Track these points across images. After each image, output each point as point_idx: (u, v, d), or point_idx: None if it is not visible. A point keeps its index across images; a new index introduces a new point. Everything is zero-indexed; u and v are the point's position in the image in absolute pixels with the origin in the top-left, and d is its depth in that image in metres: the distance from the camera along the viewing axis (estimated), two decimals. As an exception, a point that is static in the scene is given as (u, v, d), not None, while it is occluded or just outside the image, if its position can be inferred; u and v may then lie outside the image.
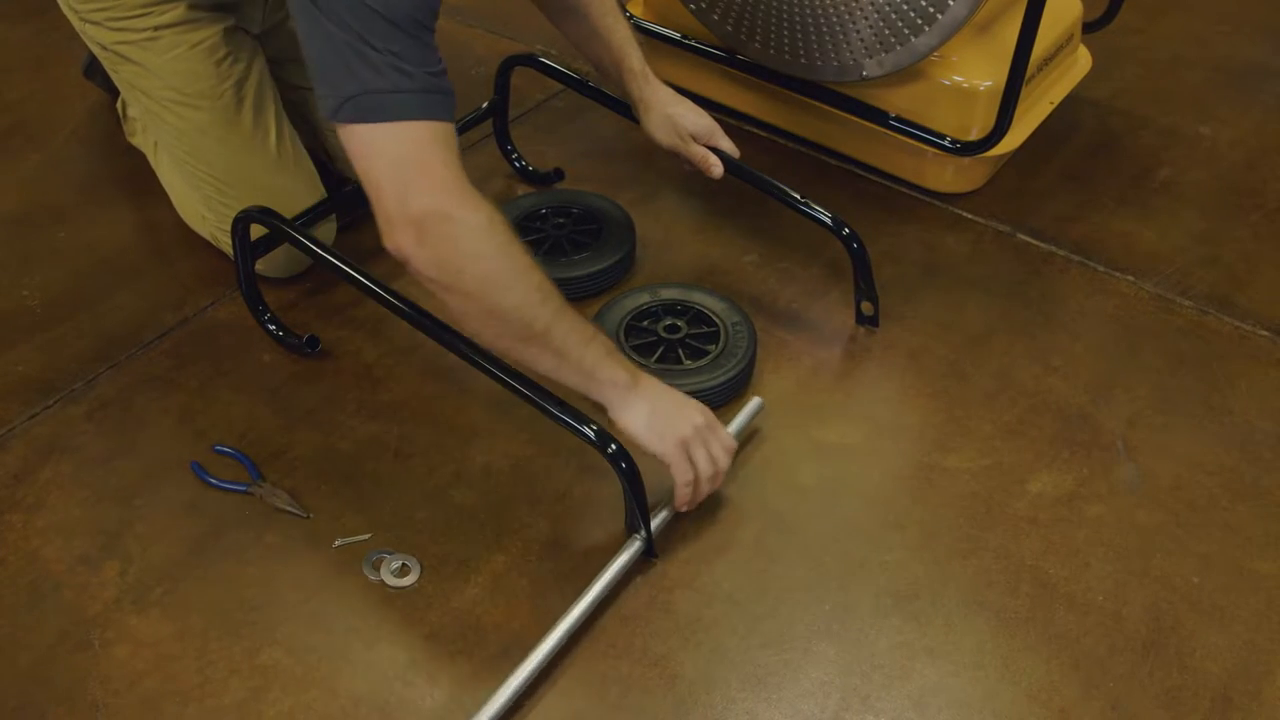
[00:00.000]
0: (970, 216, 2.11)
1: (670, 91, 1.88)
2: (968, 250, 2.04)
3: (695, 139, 1.86)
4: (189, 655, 1.43)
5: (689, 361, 1.74)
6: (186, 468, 1.65)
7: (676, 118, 1.86)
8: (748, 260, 2.00)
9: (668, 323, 1.80)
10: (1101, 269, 1.99)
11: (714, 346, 1.76)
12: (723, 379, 1.71)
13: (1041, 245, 2.05)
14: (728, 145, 1.88)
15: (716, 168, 1.85)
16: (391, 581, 1.51)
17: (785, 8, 2.01)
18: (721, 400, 1.72)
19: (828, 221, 1.83)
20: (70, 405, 1.74)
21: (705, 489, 1.53)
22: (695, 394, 1.64)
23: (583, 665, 1.43)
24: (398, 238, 1.35)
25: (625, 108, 1.93)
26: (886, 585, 1.51)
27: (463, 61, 2.52)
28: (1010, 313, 1.91)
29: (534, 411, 1.51)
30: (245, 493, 1.62)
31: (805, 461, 1.67)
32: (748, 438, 1.68)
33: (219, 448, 1.67)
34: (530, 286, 1.39)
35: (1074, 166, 2.25)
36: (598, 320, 1.80)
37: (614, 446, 1.46)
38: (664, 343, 1.77)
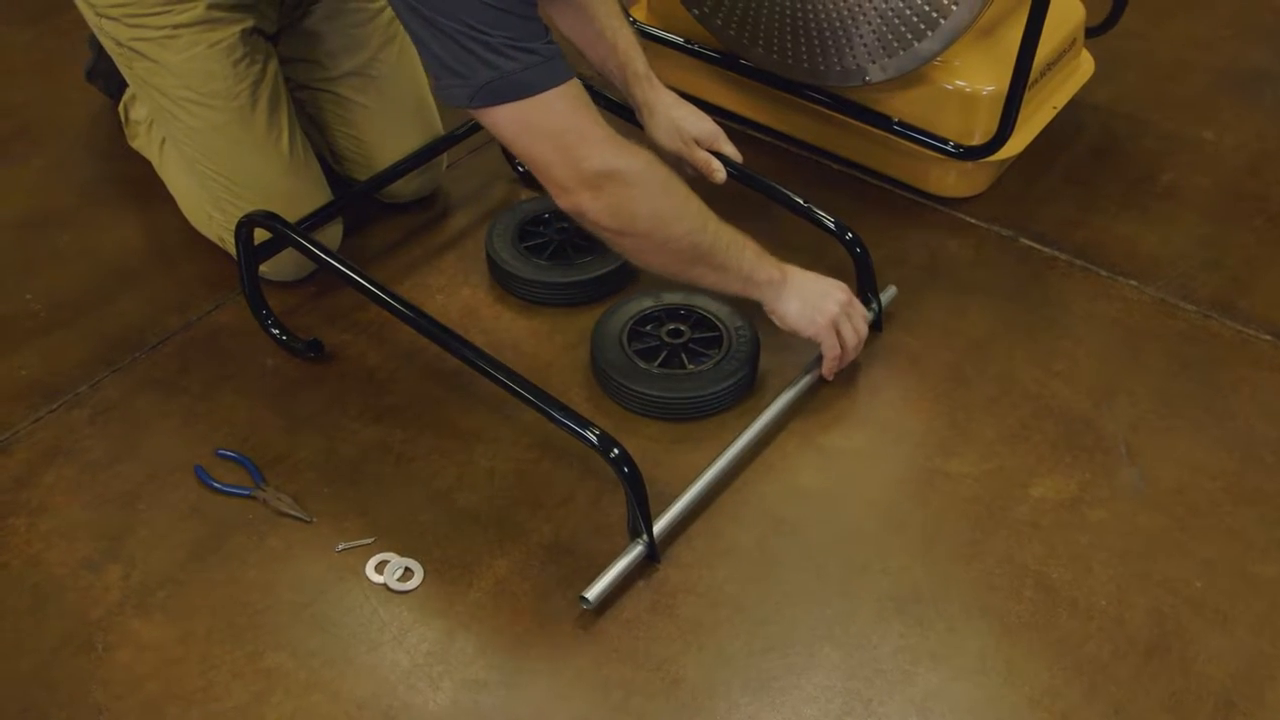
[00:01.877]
0: (973, 221, 2.11)
1: (674, 96, 1.88)
2: (970, 254, 2.04)
3: (698, 143, 1.87)
4: (192, 659, 1.43)
5: (692, 366, 1.74)
6: (190, 471, 1.65)
7: (680, 121, 1.86)
8: (750, 264, 2.00)
9: (671, 327, 1.80)
10: (1104, 273, 1.99)
11: (716, 351, 1.76)
12: (726, 383, 1.71)
13: (1044, 250, 2.05)
14: (731, 150, 1.88)
15: (719, 173, 1.85)
16: (394, 585, 1.51)
17: (788, 12, 2.02)
18: (726, 404, 1.72)
19: (831, 226, 1.84)
20: (74, 409, 1.74)
21: (850, 356, 1.73)
22: (699, 399, 1.65)
23: (585, 669, 1.43)
24: (575, 199, 1.48)
25: (629, 112, 1.93)
26: (889, 590, 1.51)
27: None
28: (1013, 317, 1.91)
29: (537, 416, 1.51)
30: (248, 497, 1.62)
31: (808, 465, 1.67)
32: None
33: (222, 451, 1.67)
34: (692, 214, 1.56)
35: (1077, 171, 2.25)
36: (599, 326, 1.80)
37: (616, 450, 1.46)
38: (667, 347, 1.77)
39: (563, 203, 1.50)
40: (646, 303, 1.83)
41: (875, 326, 1.87)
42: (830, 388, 1.78)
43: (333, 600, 1.50)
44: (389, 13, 2.00)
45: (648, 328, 1.80)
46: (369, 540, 1.56)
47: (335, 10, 1.96)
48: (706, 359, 1.75)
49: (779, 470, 1.66)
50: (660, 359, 1.75)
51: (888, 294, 1.88)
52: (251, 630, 1.47)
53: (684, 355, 1.76)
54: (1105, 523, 1.59)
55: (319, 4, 1.95)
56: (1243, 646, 1.45)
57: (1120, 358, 1.84)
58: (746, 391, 1.76)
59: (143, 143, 2.13)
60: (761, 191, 1.89)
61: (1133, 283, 1.98)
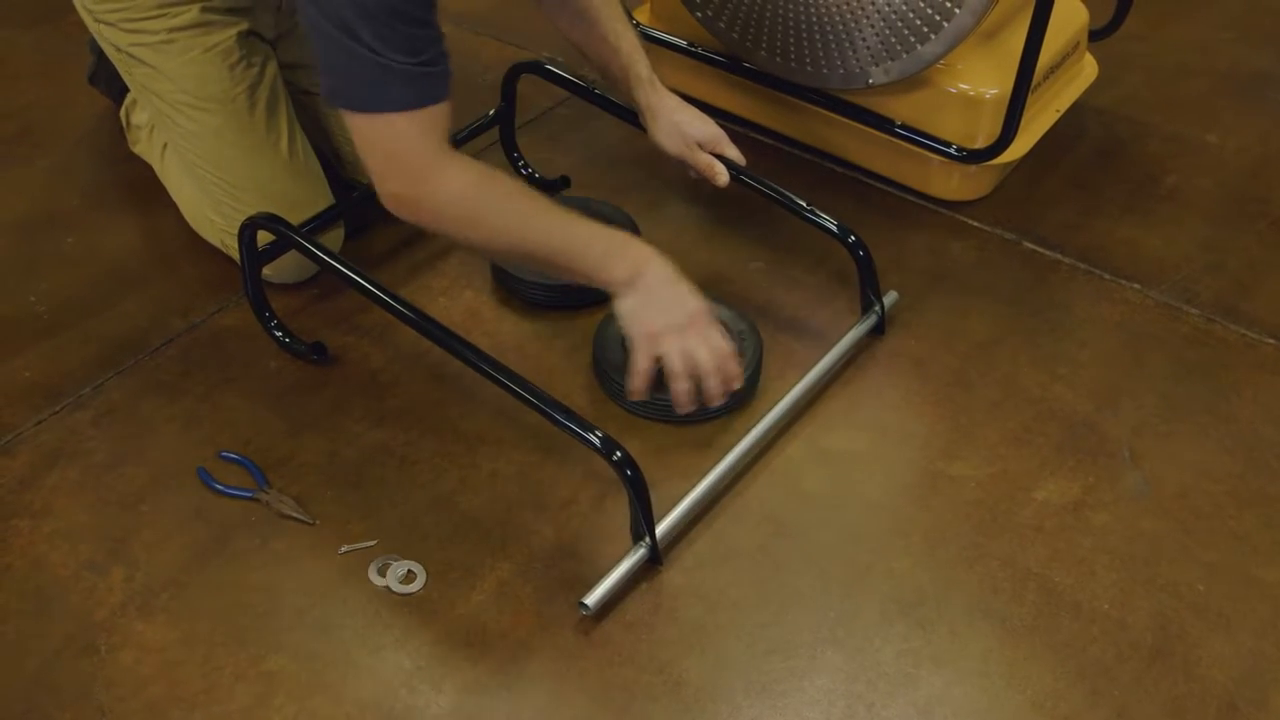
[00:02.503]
0: (976, 224, 2.11)
1: (676, 99, 1.88)
2: (973, 258, 2.04)
3: (702, 146, 1.86)
4: (194, 661, 1.43)
5: None
6: (193, 474, 1.65)
7: (683, 125, 1.86)
8: (753, 267, 2.01)
9: None
10: (1107, 277, 1.99)
11: None
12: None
13: (1047, 253, 2.05)
14: (734, 153, 1.88)
15: (722, 176, 1.85)
16: (397, 588, 1.51)
17: (792, 15, 2.02)
18: (728, 408, 1.72)
19: (833, 229, 1.84)
20: (77, 411, 1.74)
21: (710, 385, 1.60)
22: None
23: (587, 671, 1.43)
24: (399, 211, 1.52)
25: (632, 115, 1.93)
26: (892, 593, 1.51)
27: (470, 68, 2.53)
28: (1016, 320, 1.91)
29: (540, 419, 1.51)
30: (251, 499, 1.62)
31: (810, 468, 1.67)
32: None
33: (225, 454, 1.68)
34: (510, 222, 1.54)
35: (1080, 174, 2.25)
36: (601, 329, 1.80)
37: (619, 454, 1.46)
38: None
39: (388, 206, 1.53)
40: None
41: (877, 330, 1.87)
42: (833, 390, 1.78)
43: (335, 603, 1.50)
44: None
45: None
46: (372, 543, 1.56)
47: None
48: None
49: (782, 473, 1.66)
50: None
51: (889, 298, 1.88)
52: (254, 633, 1.47)
53: None
54: (1108, 526, 1.59)
55: None
56: (1246, 650, 1.45)
57: (1123, 361, 1.83)
58: (750, 395, 1.76)
59: (144, 148, 2.13)
60: (764, 194, 1.88)
61: (1136, 286, 1.97)
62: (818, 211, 1.85)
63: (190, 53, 1.79)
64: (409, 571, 1.53)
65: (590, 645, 1.45)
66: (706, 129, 1.87)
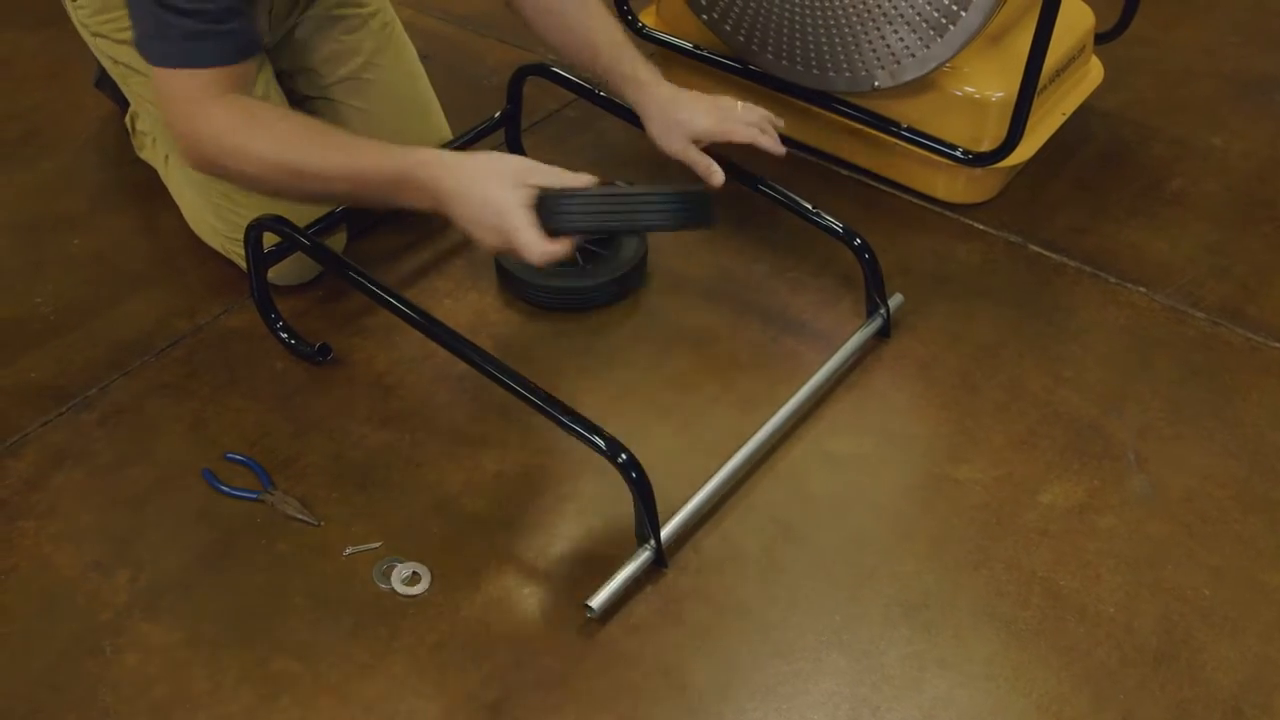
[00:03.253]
0: (981, 227, 2.11)
1: (672, 90, 1.78)
2: (979, 261, 2.04)
3: (710, 136, 1.76)
4: (199, 662, 1.44)
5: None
6: (198, 475, 1.65)
7: (682, 122, 1.76)
8: (759, 269, 2.01)
9: None
10: (1113, 280, 1.99)
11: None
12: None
13: (1053, 256, 2.05)
14: (745, 134, 1.77)
15: (717, 176, 1.76)
16: (402, 590, 1.51)
17: (798, 18, 2.02)
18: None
19: (839, 231, 1.84)
20: (83, 412, 1.75)
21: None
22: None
23: (592, 673, 1.42)
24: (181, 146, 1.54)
25: (636, 116, 1.92)
26: (897, 596, 1.51)
27: (475, 70, 2.53)
28: (1021, 324, 1.91)
29: (545, 420, 1.51)
30: (256, 500, 1.62)
31: (815, 471, 1.67)
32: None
33: (230, 455, 1.68)
34: (284, 151, 1.50)
35: (1086, 177, 2.25)
36: None
37: (624, 456, 1.47)
38: None
39: (183, 158, 1.57)
40: None
41: (883, 333, 1.87)
42: (838, 394, 1.78)
43: (340, 604, 1.50)
44: (381, 17, 2.01)
45: None
46: (376, 544, 1.56)
47: (325, 19, 1.96)
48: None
49: (787, 476, 1.66)
50: None
51: (895, 301, 1.88)
52: (259, 634, 1.47)
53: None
54: (1114, 530, 1.59)
55: (309, 14, 1.95)
56: (1252, 654, 1.45)
57: (1129, 365, 1.83)
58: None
59: (149, 153, 2.13)
60: (769, 196, 1.89)
61: (1141, 289, 1.97)
62: (823, 214, 1.85)
63: None
64: (413, 573, 1.53)
65: (595, 648, 1.45)
66: (708, 119, 1.76)
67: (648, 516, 1.48)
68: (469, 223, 1.46)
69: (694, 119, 1.76)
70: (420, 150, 1.49)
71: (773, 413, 1.70)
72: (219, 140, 1.50)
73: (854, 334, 1.83)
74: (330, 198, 1.61)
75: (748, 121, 1.78)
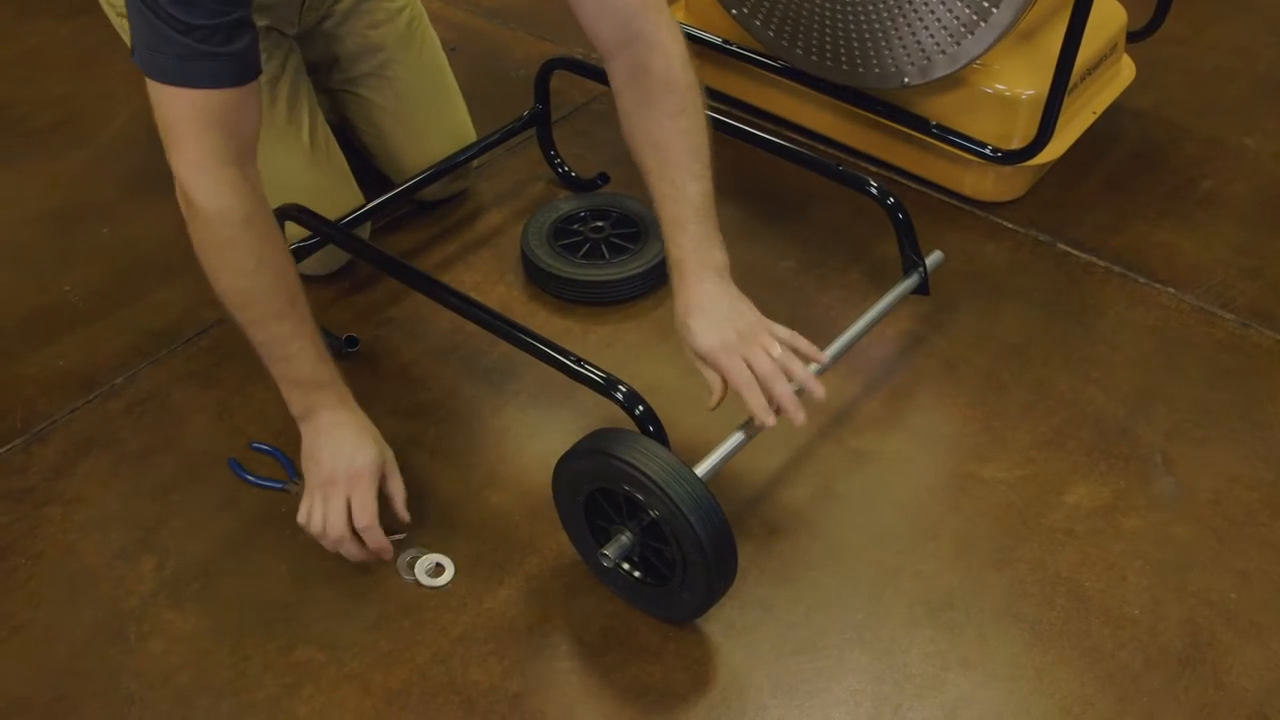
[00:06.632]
0: (1010, 225, 2.10)
1: (701, 292, 1.46)
2: (1007, 259, 2.03)
3: (709, 362, 1.46)
4: (223, 651, 1.44)
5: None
6: (223, 464, 1.66)
7: (691, 333, 1.46)
8: (785, 265, 2.00)
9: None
10: (1142, 280, 1.98)
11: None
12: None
13: (1082, 255, 2.03)
14: (746, 399, 1.42)
15: (713, 399, 1.46)
16: (425, 581, 1.52)
17: (828, 13, 2.01)
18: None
19: (873, 191, 1.81)
20: (110, 400, 1.75)
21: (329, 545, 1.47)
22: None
23: (614, 667, 1.43)
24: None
25: None
26: (920, 595, 1.51)
27: (503, 63, 2.53)
28: (1049, 323, 1.90)
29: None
30: (281, 490, 1.63)
31: (840, 469, 1.67)
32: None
33: (256, 445, 1.68)
34: (236, 287, 1.41)
35: (1116, 177, 2.23)
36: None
37: (641, 408, 1.43)
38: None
39: None
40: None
41: (922, 290, 1.80)
42: (865, 391, 1.77)
43: (364, 594, 1.50)
44: (408, 14, 2.01)
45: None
46: (401, 535, 1.56)
47: (353, 12, 1.97)
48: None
49: (811, 473, 1.66)
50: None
51: (934, 258, 1.82)
52: (283, 623, 1.47)
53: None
54: (1140, 531, 1.58)
55: (339, 7, 1.96)
56: (1277, 659, 1.44)
57: (1157, 366, 1.82)
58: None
59: None
60: (799, 161, 1.90)
61: (1171, 290, 1.96)
62: (853, 171, 1.84)
63: None
64: (437, 565, 1.53)
65: (617, 641, 1.45)
66: (708, 341, 1.44)
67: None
68: (320, 442, 1.47)
69: (697, 336, 1.45)
70: (323, 400, 1.48)
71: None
72: (208, 228, 1.38)
73: (893, 289, 1.75)
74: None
75: (757, 375, 1.43)
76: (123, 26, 1.86)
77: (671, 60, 1.49)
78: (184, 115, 1.33)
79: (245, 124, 1.37)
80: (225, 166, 1.35)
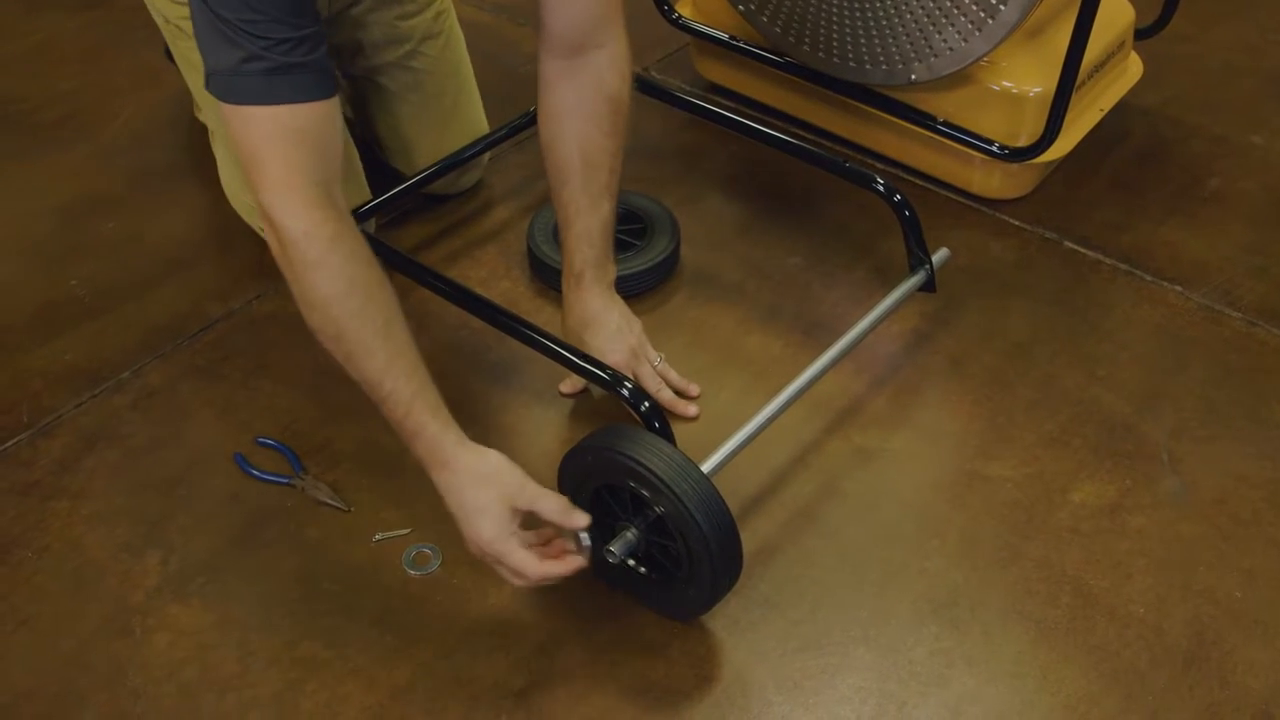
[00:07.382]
0: (1017, 223, 2.10)
1: (599, 307, 1.67)
2: (1014, 257, 2.03)
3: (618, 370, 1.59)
4: (228, 645, 1.44)
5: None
6: (229, 459, 1.66)
7: (588, 348, 1.64)
8: (791, 262, 2.00)
9: None
10: (1149, 278, 1.98)
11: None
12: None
13: (1088, 253, 2.03)
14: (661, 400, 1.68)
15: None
16: (431, 577, 1.51)
17: (835, 10, 2.01)
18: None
19: (880, 187, 1.82)
20: (116, 394, 1.76)
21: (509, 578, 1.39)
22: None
23: (618, 664, 1.43)
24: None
25: (673, 110, 1.91)
26: (925, 592, 1.51)
27: (511, 59, 2.53)
28: (1055, 321, 1.89)
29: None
30: (287, 485, 1.63)
31: (846, 466, 1.67)
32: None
33: (262, 440, 1.68)
34: (328, 315, 1.32)
35: (1123, 174, 2.23)
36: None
37: (647, 404, 1.46)
38: None
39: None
40: None
41: (928, 287, 1.82)
42: (870, 389, 1.77)
43: (369, 590, 1.51)
44: (436, 7, 2.00)
45: None
46: (406, 531, 1.57)
47: (384, 0, 1.96)
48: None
49: (816, 470, 1.66)
50: None
51: (940, 255, 1.83)
52: (288, 619, 1.47)
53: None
54: (1145, 530, 1.58)
55: None
56: (1283, 658, 1.44)
57: (1164, 364, 1.82)
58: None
59: (205, 114, 2.12)
60: (806, 158, 1.90)
61: (1177, 288, 1.96)
62: (860, 168, 1.83)
63: None
64: (443, 561, 1.53)
65: (622, 638, 1.45)
66: (615, 359, 1.65)
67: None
68: (451, 501, 1.38)
69: (606, 356, 1.64)
70: (425, 456, 1.39)
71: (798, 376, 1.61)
72: (294, 249, 1.30)
73: (897, 288, 1.77)
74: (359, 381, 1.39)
75: (646, 384, 1.68)
76: (151, 3, 1.84)
77: (624, 78, 1.58)
78: (269, 135, 1.28)
79: (332, 140, 1.33)
80: (313, 186, 1.30)
